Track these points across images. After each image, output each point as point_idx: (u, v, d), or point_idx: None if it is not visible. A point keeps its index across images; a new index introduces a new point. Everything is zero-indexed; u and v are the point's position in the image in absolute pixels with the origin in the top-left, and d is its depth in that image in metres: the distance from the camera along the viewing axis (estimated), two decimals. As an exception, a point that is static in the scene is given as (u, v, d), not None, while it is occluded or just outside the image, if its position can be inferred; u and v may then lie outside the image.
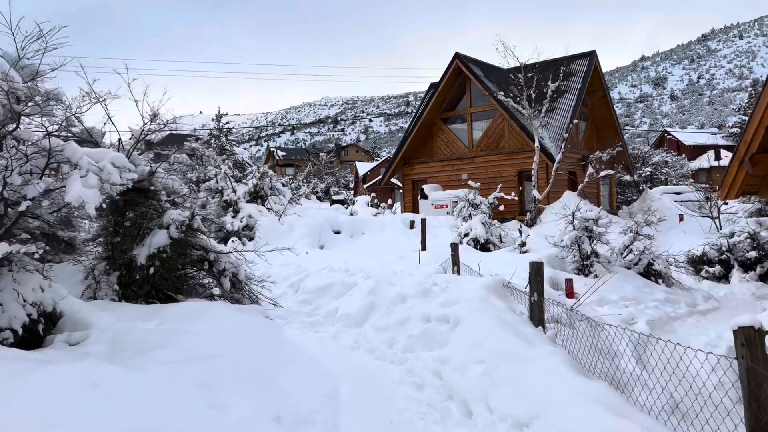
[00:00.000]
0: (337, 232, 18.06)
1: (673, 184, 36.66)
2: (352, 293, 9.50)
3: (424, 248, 15.20)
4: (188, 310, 6.65)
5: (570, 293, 11.64)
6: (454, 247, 11.49)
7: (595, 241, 13.73)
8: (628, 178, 30.62)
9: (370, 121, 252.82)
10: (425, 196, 22.75)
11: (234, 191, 17.97)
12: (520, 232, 14.79)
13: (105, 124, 7.08)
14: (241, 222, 16.88)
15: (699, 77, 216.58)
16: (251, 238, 16.93)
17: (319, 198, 46.93)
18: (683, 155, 51.12)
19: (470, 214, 17.42)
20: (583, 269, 13.68)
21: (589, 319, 6.74)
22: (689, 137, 67.93)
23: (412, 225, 18.93)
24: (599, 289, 11.57)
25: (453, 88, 24.25)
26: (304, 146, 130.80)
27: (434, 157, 24.74)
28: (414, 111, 26.39)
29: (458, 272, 11.39)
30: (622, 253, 14.23)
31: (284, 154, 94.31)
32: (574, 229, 13.63)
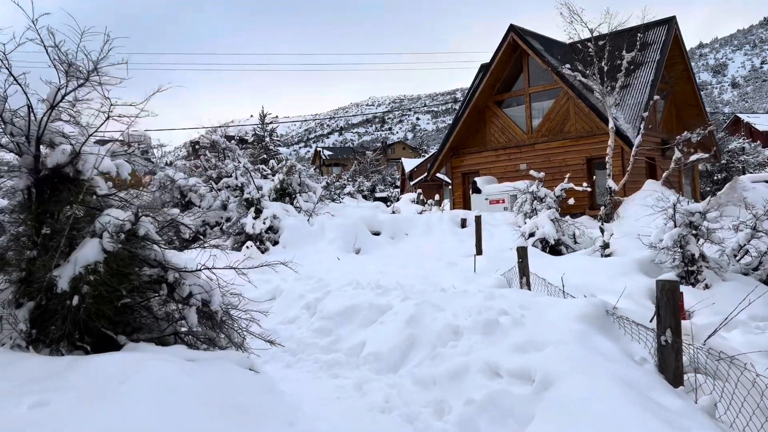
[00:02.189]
0: (376, 234, 15.43)
1: (751, 173, 32.68)
2: (384, 321, 6.83)
3: (479, 252, 12.41)
4: (108, 370, 4.16)
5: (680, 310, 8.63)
6: (522, 253, 8.68)
7: (702, 241, 10.68)
8: (701, 167, 26.98)
9: (417, 119, 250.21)
10: (478, 190, 19.86)
11: (258, 188, 15.59)
12: (602, 230, 11.81)
13: None
14: (264, 223, 14.45)
15: (762, 62, 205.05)
16: (275, 242, 14.47)
17: (364, 197, 44.69)
18: (757, 141, 46.39)
19: (534, 209, 14.50)
20: (688, 276, 10.66)
21: (744, 365, 4.05)
22: (763, 122, 62.36)
23: (463, 224, 16.12)
24: (715, 303, 8.62)
25: (508, 66, 21.27)
26: (351, 146, 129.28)
27: (487, 146, 21.81)
28: (462, 100, 23.51)
29: (528, 286, 8.60)
30: (735, 255, 11.11)
31: (330, 153, 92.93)
32: (675, 226, 10.59)
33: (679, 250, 10.51)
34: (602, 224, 12.01)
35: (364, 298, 7.45)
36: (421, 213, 19.16)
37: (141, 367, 4.08)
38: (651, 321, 4.98)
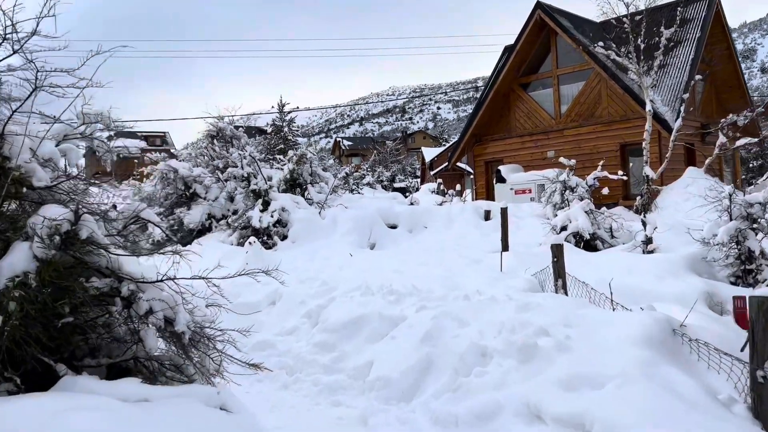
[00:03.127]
0: (393, 227, 14.30)
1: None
2: (396, 335, 5.71)
3: (505, 248, 11.22)
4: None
5: (742, 318, 7.44)
6: (557, 251, 7.50)
7: (761, 236, 9.39)
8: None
9: (438, 108, 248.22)
10: (502, 180, 18.60)
11: (268, 178, 14.54)
12: (644, 223, 10.53)
13: None
14: (272, 216, 13.40)
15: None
16: (284, 237, 13.43)
17: (384, 187, 43.60)
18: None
19: (566, 199, 13.25)
20: (745, 276, 9.41)
21: None
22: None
23: (487, 216, 14.91)
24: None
25: (534, 46, 19.88)
26: (372, 136, 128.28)
27: (512, 132, 20.47)
28: (484, 86, 22.18)
29: (564, 290, 7.43)
30: (797, 252, 9.80)
31: (350, 143, 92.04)
32: (731, 219, 9.31)
33: (734, 246, 9.24)
34: (644, 216, 10.74)
35: (373, 306, 6.33)
36: (441, 204, 17.97)
37: (57, 423, 3.02)
38: (742, 350, 3.80)
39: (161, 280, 4.35)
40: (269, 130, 46.28)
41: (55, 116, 4.70)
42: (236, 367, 4.93)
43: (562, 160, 14.41)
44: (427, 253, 11.51)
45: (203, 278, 4.48)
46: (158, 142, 71.15)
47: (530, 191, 17.69)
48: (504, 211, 11.42)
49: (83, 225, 4.06)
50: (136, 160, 15.13)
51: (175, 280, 4.38)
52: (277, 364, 6.19)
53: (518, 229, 13.58)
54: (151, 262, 4.74)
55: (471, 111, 22.57)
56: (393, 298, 6.56)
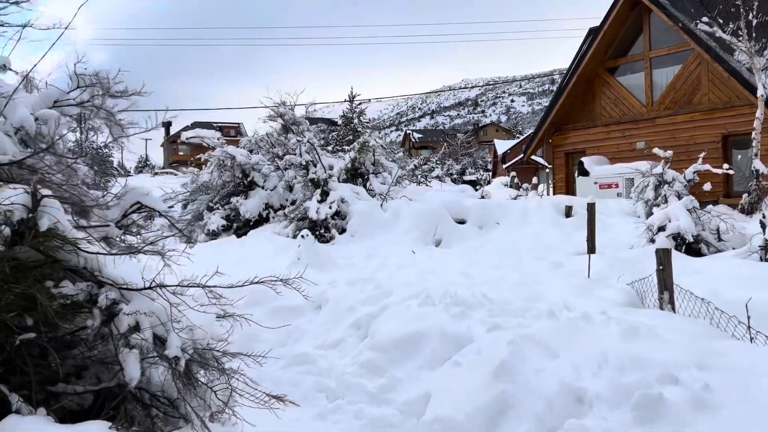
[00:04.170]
0: (461, 222, 13.00)
1: None
2: (460, 361, 4.50)
3: (592, 250, 9.74)
4: None
5: None
6: (664, 257, 6.09)
7: None
8: None
9: (512, 101, 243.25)
10: (585, 172, 16.88)
11: (329, 167, 13.57)
12: (763, 225, 8.80)
13: None
14: (330, 208, 12.41)
15: None
16: (342, 230, 12.41)
17: (453, 180, 42.25)
18: None
19: (662, 195, 11.54)
20: None
21: None
22: None
23: (568, 212, 13.38)
24: None
25: (623, 26, 17.96)
26: (443, 129, 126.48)
27: (596, 121, 18.64)
28: (562, 78, 20.40)
29: (672, 305, 6.00)
30: None
31: (420, 136, 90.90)
32: None
33: None
34: (764, 217, 8.99)
35: (434, 320, 5.13)
36: (515, 198, 16.50)
37: None
38: None
39: (150, 287, 3.33)
40: (339, 122, 45.76)
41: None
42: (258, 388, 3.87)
43: (656, 151, 12.65)
44: (499, 254, 10.18)
45: (201, 286, 3.43)
46: (232, 132, 72.22)
47: (617, 185, 15.93)
48: (591, 208, 9.92)
49: (44, 212, 3.06)
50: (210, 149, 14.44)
51: (168, 288, 3.35)
52: (316, 386, 5.11)
53: (605, 228, 12.00)
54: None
55: (548, 102, 20.84)
56: (458, 310, 5.33)
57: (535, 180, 21.79)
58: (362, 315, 5.85)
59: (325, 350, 5.73)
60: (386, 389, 4.66)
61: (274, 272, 8.52)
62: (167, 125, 74.07)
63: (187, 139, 17.03)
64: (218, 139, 15.32)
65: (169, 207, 4.33)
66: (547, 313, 5.10)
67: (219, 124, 71.63)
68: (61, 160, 3.71)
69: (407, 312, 5.45)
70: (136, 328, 3.25)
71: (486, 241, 11.80)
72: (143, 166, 68.09)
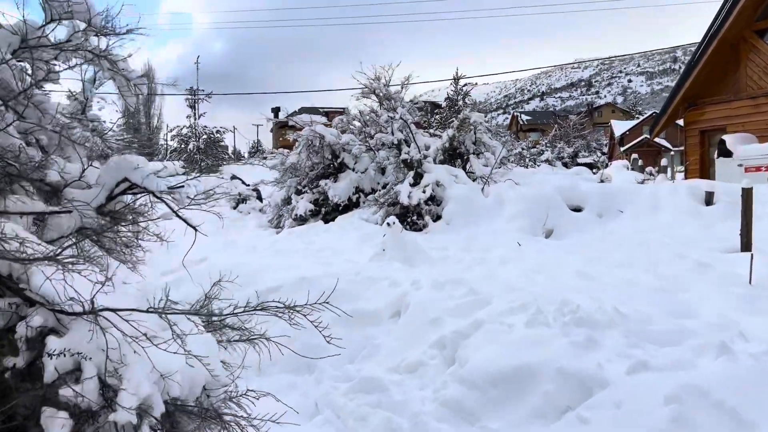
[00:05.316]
0: (577, 210, 11.21)
1: None
2: (588, 418, 3.01)
3: (747, 247, 7.78)
4: None
5: None
6: None
7: None
8: None
9: (629, 81, 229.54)
10: (727, 153, 14.36)
11: (424, 147, 12.23)
12: None
13: None
14: (424, 192, 11.06)
15: None
16: (437, 217, 11.05)
17: (564, 164, 39.60)
18: None
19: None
20: None
21: None
22: None
23: (709, 199, 11.18)
24: None
25: (779, -22, 15.13)
26: (553, 111, 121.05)
27: (741, 93, 15.89)
28: (693, 55, 17.60)
29: None
30: None
31: (529, 118, 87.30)
32: None
33: None
34: None
35: (547, 349, 3.66)
36: (642, 183, 14.33)
37: None
38: None
39: (96, 311, 2.16)
40: (443, 104, 44.28)
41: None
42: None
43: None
44: (625, 249, 8.38)
45: (157, 311, 2.21)
46: (338, 117, 72.58)
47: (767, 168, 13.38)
48: (748, 194, 7.92)
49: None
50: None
51: (116, 311, 2.15)
52: (386, 425, 3.83)
53: (757, 219, 9.80)
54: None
55: (673, 81, 18.19)
56: (582, 333, 3.82)
57: (664, 162, 19.20)
58: (449, 332, 4.47)
59: (401, 375, 4.42)
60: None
61: (353, 266, 7.20)
62: (276, 111, 75.74)
63: (288, 123, 16.33)
64: (310, 122, 14.40)
65: (178, 185, 3.15)
66: (716, 346, 3.48)
67: (325, 109, 72.23)
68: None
69: (510, 334, 4.00)
70: (73, 373, 2.11)
71: (607, 233, 9.97)
72: (255, 151, 69.99)
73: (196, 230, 3.10)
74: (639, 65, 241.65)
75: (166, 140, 40.70)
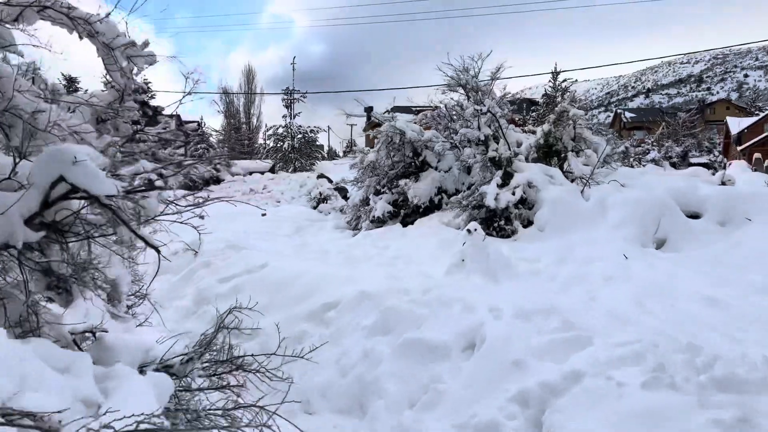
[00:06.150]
0: (694, 216, 9.63)
1: None
2: None
3: None
4: None
5: None
6: None
7: None
8: None
9: (746, 76, 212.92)
10: None
11: (516, 144, 11.03)
12: None
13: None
14: (513, 194, 9.87)
15: None
16: (528, 222, 9.83)
17: (673, 165, 36.60)
18: None
19: None
20: None
21: None
22: None
23: None
24: None
25: None
26: (660, 108, 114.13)
27: None
28: None
29: None
30: None
31: (633, 116, 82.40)
32: None
33: None
34: None
35: (679, 428, 2.53)
36: (772, 186, 12.32)
37: None
38: None
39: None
40: (540, 101, 42.45)
41: None
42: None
43: None
44: (761, 267, 6.85)
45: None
46: (429, 115, 71.61)
47: None
48: None
49: None
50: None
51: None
52: None
53: None
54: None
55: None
56: (727, 403, 2.64)
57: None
58: (535, 383, 3.38)
59: (467, 438, 3.39)
60: None
61: (425, 280, 6.10)
62: (368, 110, 75.90)
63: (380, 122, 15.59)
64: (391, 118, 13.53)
65: (139, 188, 2.36)
66: None
67: (417, 108, 71.35)
68: None
69: (619, 398, 2.87)
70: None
71: (733, 245, 8.37)
72: (348, 150, 70.37)
73: (158, 252, 2.23)
74: (757, 59, 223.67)
75: (264, 139, 41.39)
